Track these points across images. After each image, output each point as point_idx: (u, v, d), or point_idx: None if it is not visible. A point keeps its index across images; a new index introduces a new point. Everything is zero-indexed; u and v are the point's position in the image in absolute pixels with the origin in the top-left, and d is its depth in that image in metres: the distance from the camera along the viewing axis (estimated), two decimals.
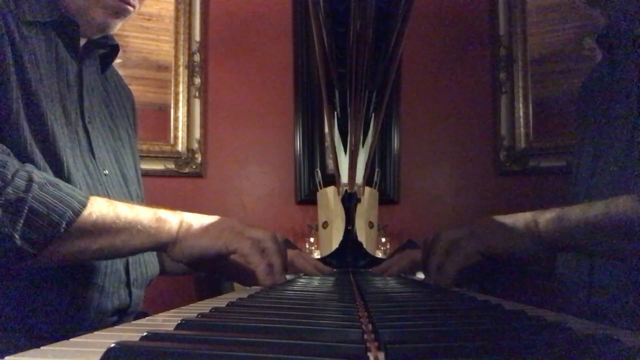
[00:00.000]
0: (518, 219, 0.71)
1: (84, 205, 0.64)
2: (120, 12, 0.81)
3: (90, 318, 0.75)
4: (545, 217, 0.68)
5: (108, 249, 0.68)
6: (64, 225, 0.62)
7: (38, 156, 0.69)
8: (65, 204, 0.63)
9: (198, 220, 0.74)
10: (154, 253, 0.94)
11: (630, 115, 0.75)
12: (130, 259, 0.83)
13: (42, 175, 0.64)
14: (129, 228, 0.68)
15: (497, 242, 0.69)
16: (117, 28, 0.85)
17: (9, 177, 0.60)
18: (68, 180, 0.71)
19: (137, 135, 1.02)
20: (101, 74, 0.91)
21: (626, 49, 0.81)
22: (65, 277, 0.72)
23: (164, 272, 0.99)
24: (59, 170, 0.71)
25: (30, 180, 0.62)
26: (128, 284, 0.83)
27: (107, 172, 0.83)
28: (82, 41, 0.84)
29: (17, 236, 0.60)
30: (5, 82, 0.67)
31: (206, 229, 0.73)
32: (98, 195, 0.69)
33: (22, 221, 0.60)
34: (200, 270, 0.81)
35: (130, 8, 0.82)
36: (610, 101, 0.82)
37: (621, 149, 0.75)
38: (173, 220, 0.72)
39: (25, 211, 0.60)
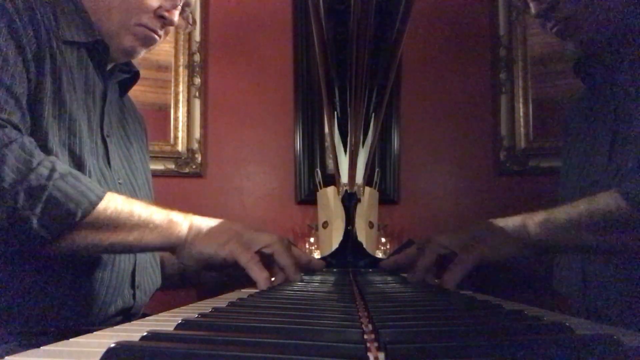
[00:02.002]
0: (507, 224, 0.76)
1: (100, 198, 0.68)
2: (147, 40, 0.89)
3: (95, 313, 0.77)
4: (534, 221, 0.73)
5: (121, 244, 0.72)
6: (79, 215, 0.66)
7: (60, 155, 0.73)
8: (83, 195, 0.67)
9: (207, 225, 0.78)
10: (158, 264, 0.98)
11: (609, 131, 0.80)
12: (137, 262, 0.86)
13: (65, 167, 0.69)
14: (142, 226, 0.72)
15: (490, 248, 0.73)
16: (141, 55, 0.92)
17: (34, 164, 0.65)
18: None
19: (148, 157, 1.09)
20: (119, 97, 0.97)
21: (601, 76, 0.86)
22: (71, 269, 0.74)
23: (163, 286, 1.01)
24: (81, 170, 0.75)
25: (53, 169, 0.66)
26: (133, 285, 0.85)
27: (121, 181, 0.88)
28: (109, 65, 0.90)
29: (34, 220, 0.63)
30: (41, 90, 0.73)
31: (213, 236, 0.77)
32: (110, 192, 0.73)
33: (40, 206, 0.64)
34: (209, 271, 0.88)
35: (157, 37, 0.89)
36: (592, 121, 0.88)
37: (602, 159, 0.80)
38: (184, 223, 0.77)
39: (45, 197, 0.64)
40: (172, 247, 0.76)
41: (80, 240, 0.68)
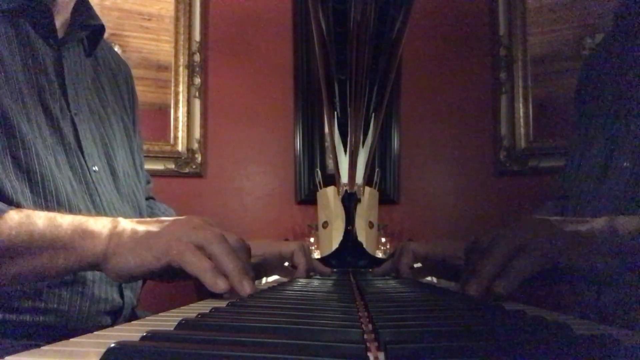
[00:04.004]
0: (591, 226, 0.57)
1: None
2: None
3: (81, 326, 0.71)
4: (627, 227, 0.55)
5: (30, 273, 0.58)
6: None
7: (4, 172, 0.62)
8: None
9: (132, 230, 0.59)
10: None
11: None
12: None
13: None
14: (47, 247, 0.57)
15: (575, 254, 0.54)
16: None
17: None
18: (54, 186, 0.66)
19: (135, 115, 0.95)
20: (88, 57, 0.83)
21: None
22: (52, 287, 0.68)
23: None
24: (40, 179, 0.65)
25: None
26: (120, 287, 0.79)
27: (96, 168, 0.76)
28: (59, 23, 0.75)
29: None
30: None
31: (136, 242, 0.58)
32: (18, 209, 0.60)
33: None
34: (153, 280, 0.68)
35: None
36: (621, 82, 0.74)
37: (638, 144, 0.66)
38: (102, 232, 0.59)
39: None
40: (93, 263, 0.59)
41: None
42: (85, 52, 0.83)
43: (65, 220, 0.59)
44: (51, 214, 0.60)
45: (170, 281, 0.62)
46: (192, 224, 0.58)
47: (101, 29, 0.84)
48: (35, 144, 0.65)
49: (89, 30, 0.81)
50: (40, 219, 0.58)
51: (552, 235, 0.55)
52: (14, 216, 0.58)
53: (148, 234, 0.58)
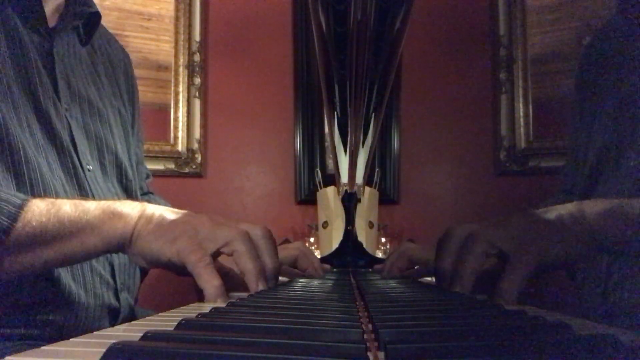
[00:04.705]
0: (560, 213, 0.56)
1: (15, 219, 0.55)
2: None
3: (78, 333, 0.69)
4: (595, 211, 0.55)
5: (59, 258, 0.58)
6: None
7: None
8: None
9: (160, 216, 0.60)
10: None
11: None
12: (116, 263, 0.76)
13: None
14: (78, 231, 0.58)
15: (553, 248, 0.54)
16: None
17: None
18: (44, 189, 0.64)
19: (135, 107, 0.91)
20: (84, 46, 0.80)
21: None
22: (47, 299, 0.66)
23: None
24: (28, 182, 0.63)
25: None
26: (116, 291, 0.76)
27: (90, 167, 0.74)
28: (50, 10, 0.72)
29: None
30: None
31: (163, 230, 0.59)
32: (40, 198, 0.59)
33: None
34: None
35: None
36: (624, 69, 0.72)
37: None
38: (131, 214, 0.60)
39: None
40: (120, 244, 0.59)
41: (9, 264, 0.56)
42: (81, 41, 0.79)
43: (92, 205, 0.60)
44: (75, 200, 0.60)
45: (185, 275, 0.63)
46: (217, 220, 0.61)
47: (97, 16, 0.80)
48: (24, 145, 0.63)
49: (83, 18, 0.78)
50: (66, 205, 0.59)
51: (535, 234, 0.56)
52: (39, 204, 0.58)
53: (174, 225, 0.59)
